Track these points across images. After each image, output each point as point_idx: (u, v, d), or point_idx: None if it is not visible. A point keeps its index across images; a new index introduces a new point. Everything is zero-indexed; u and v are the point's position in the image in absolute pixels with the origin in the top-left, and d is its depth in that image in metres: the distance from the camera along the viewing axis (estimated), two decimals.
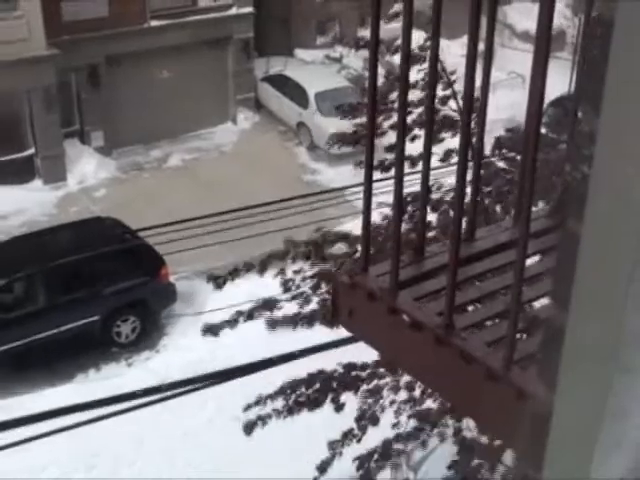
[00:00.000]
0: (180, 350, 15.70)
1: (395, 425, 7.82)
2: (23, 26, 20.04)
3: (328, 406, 8.12)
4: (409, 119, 6.96)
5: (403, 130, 2.14)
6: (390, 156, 7.64)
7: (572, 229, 1.09)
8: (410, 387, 7.95)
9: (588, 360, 1.14)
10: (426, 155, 2.17)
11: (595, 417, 1.14)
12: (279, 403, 7.97)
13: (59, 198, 21.22)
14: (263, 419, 7.91)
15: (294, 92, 24.50)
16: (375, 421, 7.94)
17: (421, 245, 2.28)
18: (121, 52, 22.47)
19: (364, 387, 7.99)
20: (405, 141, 2.16)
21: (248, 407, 8.11)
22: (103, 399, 7.55)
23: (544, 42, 1.92)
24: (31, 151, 21.57)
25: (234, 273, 8.39)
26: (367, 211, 2.19)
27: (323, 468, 8.05)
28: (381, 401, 7.95)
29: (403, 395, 8.00)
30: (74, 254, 15.70)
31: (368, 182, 2.20)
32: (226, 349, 13.60)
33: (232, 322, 8.38)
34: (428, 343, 2.01)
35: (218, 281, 8.33)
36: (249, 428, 8.04)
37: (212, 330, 8.65)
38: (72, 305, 15.46)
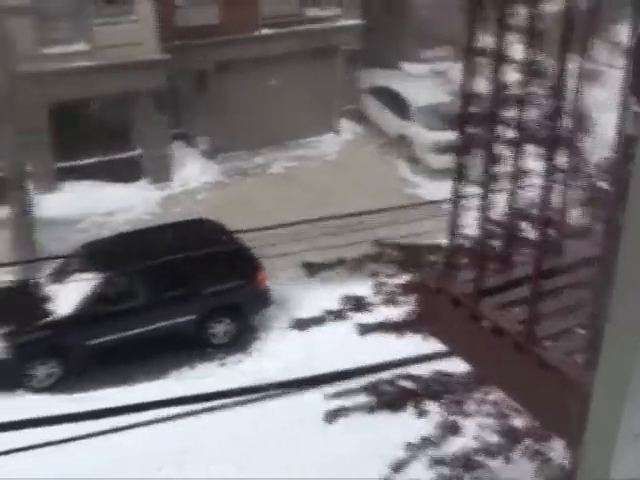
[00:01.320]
0: (272, 354, 15.89)
1: (477, 437, 7.80)
2: (137, 30, 20.69)
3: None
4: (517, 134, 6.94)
5: (490, 146, 2.20)
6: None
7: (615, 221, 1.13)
8: (497, 402, 7.91)
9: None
10: (515, 173, 2.22)
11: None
12: (362, 399, 8.04)
13: (163, 198, 21.78)
14: (346, 410, 8.00)
15: (397, 105, 24.57)
16: (456, 430, 7.93)
17: (507, 255, 2.33)
18: (230, 59, 22.96)
19: (450, 396, 7.99)
20: (493, 155, 2.22)
21: (334, 395, 8.18)
22: (197, 395, 7.73)
23: None
24: (139, 151, 22.22)
25: (328, 266, 8.53)
26: (454, 219, 2.25)
27: (398, 468, 8.10)
28: (465, 412, 7.94)
29: (489, 409, 7.96)
30: (175, 253, 16.09)
31: (456, 192, 2.26)
32: (318, 355, 13.68)
33: (320, 320, 8.50)
34: (508, 349, 2.05)
35: (311, 270, 8.47)
36: (331, 417, 8.14)
37: (300, 325, 8.81)
38: (170, 303, 15.84)
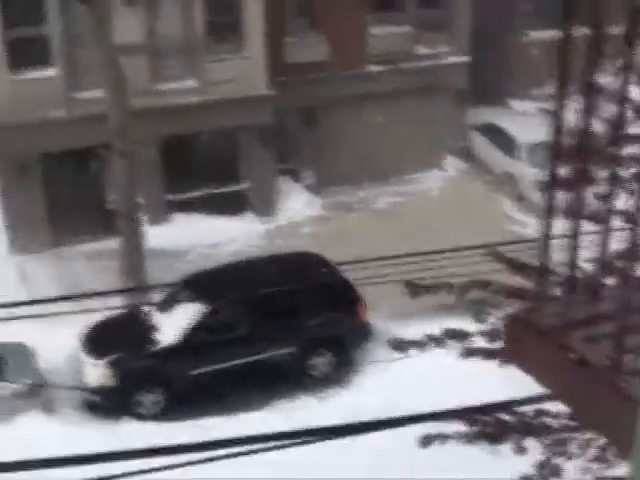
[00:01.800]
0: (372, 388, 15.85)
1: None
2: (247, 67, 21.18)
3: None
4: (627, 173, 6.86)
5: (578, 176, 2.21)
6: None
7: None
8: (602, 447, 7.70)
9: None
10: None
11: None
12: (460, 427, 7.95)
13: (268, 231, 22.10)
14: (443, 437, 7.93)
15: (504, 142, 24.36)
16: (557, 472, 7.74)
17: (597, 288, 2.31)
18: (338, 95, 23.22)
19: (551, 436, 7.82)
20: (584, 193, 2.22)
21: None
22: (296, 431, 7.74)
23: None
24: (246, 185, 22.64)
25: (431, 288, 8.48)
26: (544, 251, 2.25)
27: None
28: (567, 453, 7.75)
29: (592, 453, 7.76)
30: (278, 286, 16.29)
31: (546, 227, 2.27)
32: (418, 390, 13.58)
33: (421, 344, 8.47)
34: (594, 382, 2.04)
35: (413, 290, 8.44)
36: (426, 442, 8.07)
37: (400, 347, 8.79)
38: (272, 335, 16.01)
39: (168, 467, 5.28)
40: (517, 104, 27.27)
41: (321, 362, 16.57)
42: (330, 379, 16.54)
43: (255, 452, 6.75)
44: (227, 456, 5.91)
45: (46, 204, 20.69)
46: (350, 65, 23.32)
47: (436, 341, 8.44)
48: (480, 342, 8.40)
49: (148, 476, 5.20)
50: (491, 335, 8.31)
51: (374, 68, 23.69)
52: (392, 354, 16.47)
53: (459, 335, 8.38)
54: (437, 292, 8.45)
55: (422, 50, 24.22)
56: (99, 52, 16.57)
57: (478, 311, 8.53)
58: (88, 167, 21.17)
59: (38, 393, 14.70)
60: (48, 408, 14.85)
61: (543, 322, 2.26)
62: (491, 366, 8.61)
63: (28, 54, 19.43)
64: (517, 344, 2.32)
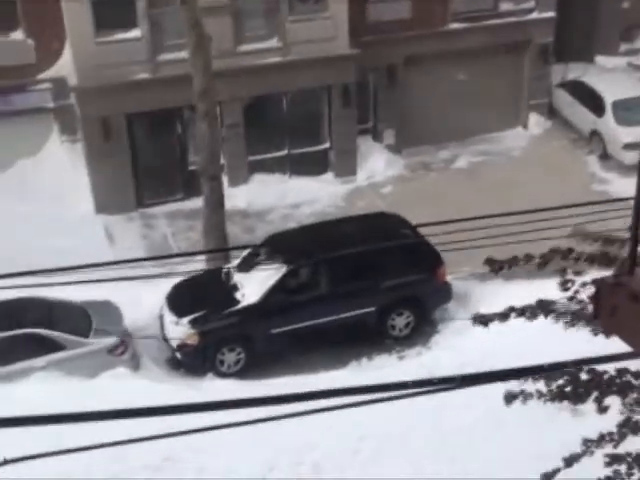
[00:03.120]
0: (452, 349, 15.82)
1: None
2: (331, 26, 21.06)
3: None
4: None
5: None
6: None
7: None
8: None
9: None
10: None
11: None
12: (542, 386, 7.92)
13: (348, 191, 22.09)
14: (525, 395, 7.90)
15: (590, 99, 23.74)
16: (638, 430, 7.65)
17: None
18: (419, 53, 22.95)
19: (634, 395, 7.72)
20: None
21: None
22: (376, 385, 7.76)
23: None
24: (326, 145, 22.63)
25: (512, 261, 8.38)
26: (637, 215, 2.20)
27: (570, 463, 7.93)
28: None
29: None
30: (358, 246, 16.31)
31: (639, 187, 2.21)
32: (498, 351, 13.50)
33: (503, 315, 8.40)
34: None
35: (494, 266, 8.35)
36: (510, 399, 8.05)
37: (482, 320, 8.74)
38: (352, 295, 16.08)
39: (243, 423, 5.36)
40: (604, 60, 26.53)
41: (401, 322, 16.59)
42: (410, 339, 16.56)
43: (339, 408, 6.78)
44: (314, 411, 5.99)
45: (131, 165, 21.05)
46: (432, 23, 22.99)
47: (520, 312, 8.35)
48: (564, 308, 8.30)
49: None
50: (576, 301, 8.20)
51: (457, 26, 23.29)
52: (471, 314, 16.52)
53: (543, 305, 8.27)
54: (516, 264, 8.32)
55: (506, 6, 23.68)
56: (183, 13, 16.67)
57: (561, 278, 8.39)
58: (172, 128, 21.44)
59: (124, 350, 15.08)
60: (133, 365, 15.24)
61: (636, 286, 2.22)
62: (574, 331, 8.51)
63: (113, 16, 19.67)
64: (607, 309, 2.28)
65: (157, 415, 4.53)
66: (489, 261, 8.56)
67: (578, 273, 8.44)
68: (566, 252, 8.18)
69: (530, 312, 8.36)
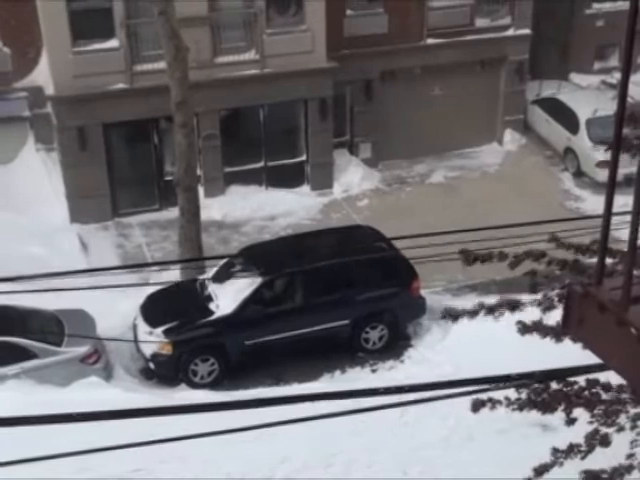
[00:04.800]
0: (425, 363, 15.91)
1: (630, 456, 7.56)
2: (308, 39, 21.16)
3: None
4: None
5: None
6: None
7: None
8: None
9: None
10: None
11: None
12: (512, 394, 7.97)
13: (324, 204, 22.16)
14: (493, 402, 7.95)
15: (564, 117, 24.01)
16: (606, 443, 7.74)
17: None
18: (396, 68, 23.12)
19: (602, 407, 7.80)
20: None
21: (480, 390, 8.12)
22: (347, 391, 7.82)
23: None
24: (303, 157, 22.70)
25: (486, 257, 8.44)
26: (606, 225, 2.26)
27: (540, 472, 8.02)
28: (616, 426, 7.73)
29: None
30: (333, 258, 16.37)
31: (609, 203, 2.27)
32: (472, 366, 13.58)
33: (472, 313, 8.48)
34: None
35: (468, 258, 8.40)
36: (478, 406, 8.10)
37: (452, 314, 8.81)
38: (326, 307, 16.13)
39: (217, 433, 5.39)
40: (579, 78, 26.85)
41: (374, 335, 16.64)
42: (383, 352, 16.61)
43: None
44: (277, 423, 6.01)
45: (106, 175, 21.00)
46: (409, 38, 23.17)
47: (489, 310, 8.44)
48: (534, 312, 8.42)
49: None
50: (545, 306, 8.30)
51: (433, 41, 23.48)
52: (444, 328, 16.62)
53: (513, 304, 8.37)
54: (490, 260, 8.37)
55: (482, 22, 23.91)
56: (161, 24, 16.69)
57: (532, 282, 8.50)
58: (148, 139, 21.41)
59: (97, 359, 15.03)
60: (106, 374, 15.18)
61: (604, 296, 2.27)
62: (541, 339, 8.60)
63: (91, 26, 19.65)
64: (575, 319, 2.34)
65: (122, 418, 4.55)
66: (464, 252, 8.61)
67: (546, 277, 8.56)
68: (539, 254, 8.27)
69: (499, 310, 8.46)
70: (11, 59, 20.62)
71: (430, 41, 23.47)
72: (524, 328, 8.25)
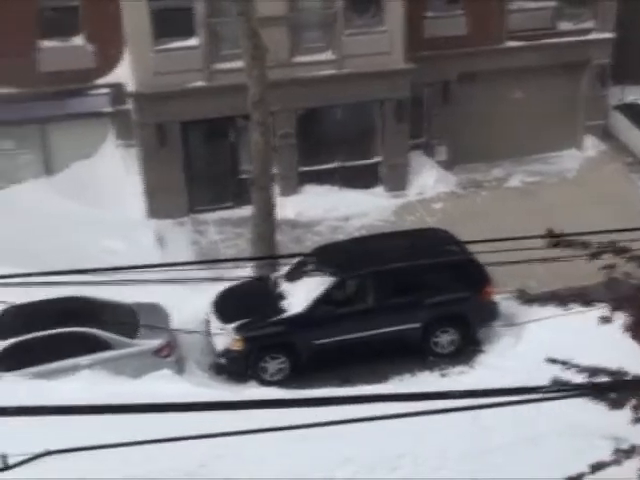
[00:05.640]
0: (495, 369, 15.67)
1: None
2: (386, 40, 21.11)
3: None
4: None
5: None
6: None
7: None
8: None
9: None
10: None
11: None
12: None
13: (397, 206, 22.07)
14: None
15: None
16: None
17: None
18: (474, 70, 22.90)
19: None
20: None
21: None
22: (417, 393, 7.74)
23: None
24: (378, 159, 22.64)
25: (545, 298, 8.33)
26: None
27: (596, 468, 7.85)
28: None
29: None
30: (405, 261, 16.27)
31: None
32: (543, 374, 13.35)
33: (544, 300, 8.32)
34: None
35: (525, 298, 8.29)
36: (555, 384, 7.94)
37: (527, 299, 8.69)
38: (397, 309, 16.03)
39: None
40: None
41: (445, 339, 16.50)
42: (453, 357, 16.46)
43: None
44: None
45: (183, 172, 21.29)
46: (489, 40, 22.93)
47: (560, 300, 8.28)
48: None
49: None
50: (620, 303, 8.13)
51: (514, 44, 23.19)
52: (517, 334, 16.38)
53: (585, 298, 8.21)
54: (571, 247, 8.12)
55: (565, 26, 23.52)
56: (241, 23, 16.84)
57: (609, 276, 8.30)
58: (225, 137, 21.64)
59: (169, 352, 15.23)
60: (178, 367, 15.37)
61: None
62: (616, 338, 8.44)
63: (172, 24, 19.94)
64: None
65: (191, 411, 4.60)
66: (521, 292, 8.54)
67: (627, 274, 8.35)
68: (621, 249, 8.02)
69: (570, 300, 8.31)
70: (94, 56, 21.06)
71: (510, 44, 23.19)
72: (604, 319, 8.08)
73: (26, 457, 4.48)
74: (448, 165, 23.52)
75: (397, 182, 22.54)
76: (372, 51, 20.85)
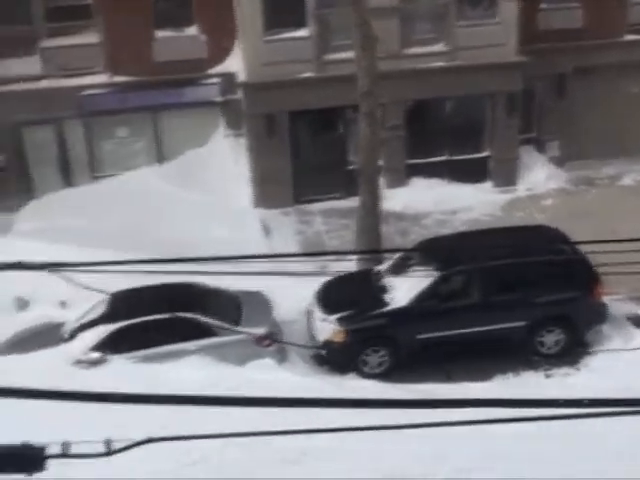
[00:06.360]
0: (602, 372, 15.24)
1: None
2: (499, 32, 20.75)
3: None
4: None
5: None
6: None
7: None
8: None
9: None
10: None
11: None
12: None
13: (505, 201, 21.71)
14: None
15: None
16: None
17: None
18: (590, 64, 22.28)
19: None
20: None
21: None
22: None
23: None
24: (487, 153, 22.30)
25: None
26: None
27: None
28: None
29: None
30: (512, 257, 15.96)
31: None
32: None
33: None
34: None
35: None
36: None
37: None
38: (502, 307, 15.75)
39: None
40: None
41: (550, 339, 16.12)
42: (559, 357, 16.07)
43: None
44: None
45: (290, 162, 21.43)
46: (606, 34, 22.26)
47: None
48: None
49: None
50: None
51: (634, 37, 22.45)
52: (628, 339, 15.88)
53: None
54: None
55: None
56: (352, 14, 16.80)
57: None
58: (333, 127, 21.67)
59: (271, 341, 15.35)
60: (280, 357, 15.48)
61: None
62: None
63: (283, 15, 20.07)
64: None
65: (296, 406, 4.59)
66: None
67: None
68: None
69: None
70: (207, 46, 21.40)
71: (630, 37, 22.45)
72: None
73: (128, 443, 4.54)
74: (560, 161, 22.98)
75: (506, 177, 22.16)
76: (484, 43, 20.54)
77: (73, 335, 15.07)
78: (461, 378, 15.36)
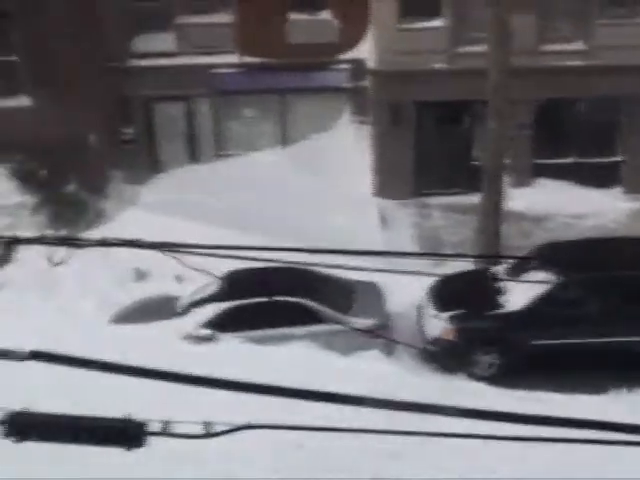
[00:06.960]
0: None
1: None
2: None
3: None
4: None
5: None
6: None
7: None
8: None
9: None
10: None
11: None
12: None
13: (637, 210, 20.89)
14: None
15: None
16: None
17: None
18: None
19: None
20: None
21: None
22: None
23: None
24: (619, 158, 21.51)
25: None
26: None
27: None
28: None
29: None
30: (636, 269, 15.32)
31: None
32: None
33: None
34: None
35: None
36: None
37: None
38: (625, 319, 15.14)
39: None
40: None
41: None
42: None
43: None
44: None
45: (413, 153, 21.17)
46: None
47: None
48: None
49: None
50: None
51: None
52: None
53: None
54: None
55: None
56: (489, 7, 16.39)
57: None
58: (459, 121, 21.29)
59: (382, 333, 15.18)
60: (388, 350, 15.31)
61: None
62: None
63: (418, 4, 19.81)
64: None
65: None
66: None
67: None
68: None
69: None
70: (339, 31, 21.32)
71: None
72: None
73: (228, 427, 4.45)
74: None
75: (638, 184, 21.30)
76: (626, 43, 19.73)
77: (186, 310, 15.28)
78: (574, 390, 14.85)
